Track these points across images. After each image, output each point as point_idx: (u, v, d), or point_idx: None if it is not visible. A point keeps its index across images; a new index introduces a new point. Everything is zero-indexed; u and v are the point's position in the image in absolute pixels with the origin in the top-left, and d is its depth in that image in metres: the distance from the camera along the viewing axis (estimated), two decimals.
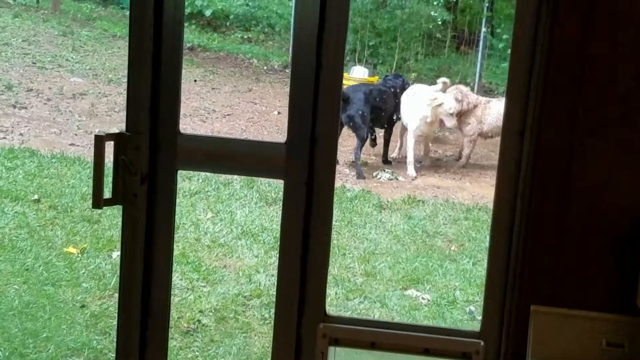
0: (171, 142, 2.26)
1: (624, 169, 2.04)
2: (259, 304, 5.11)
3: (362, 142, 8.80)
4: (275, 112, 11.02)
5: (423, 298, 5.36)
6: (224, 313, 4.99)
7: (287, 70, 13.41)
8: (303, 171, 2.21)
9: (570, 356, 2.14)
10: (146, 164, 2.25)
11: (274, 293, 5.73)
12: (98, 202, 2.23)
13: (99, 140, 2.21)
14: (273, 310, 5.07)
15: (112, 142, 2.23)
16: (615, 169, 2.05)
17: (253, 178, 7.50)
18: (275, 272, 5.73)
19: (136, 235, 2.29)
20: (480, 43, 12.99)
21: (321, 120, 2.20)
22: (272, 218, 6.66)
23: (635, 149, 2.03)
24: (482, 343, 2.24)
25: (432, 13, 14.22)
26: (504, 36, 13.34)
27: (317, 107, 2.19)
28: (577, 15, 2.00)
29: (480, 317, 5.38)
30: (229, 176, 7.58)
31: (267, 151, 2.29)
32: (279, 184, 7.35)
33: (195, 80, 12.31)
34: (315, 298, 2.30)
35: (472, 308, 5.23)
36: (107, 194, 2.24)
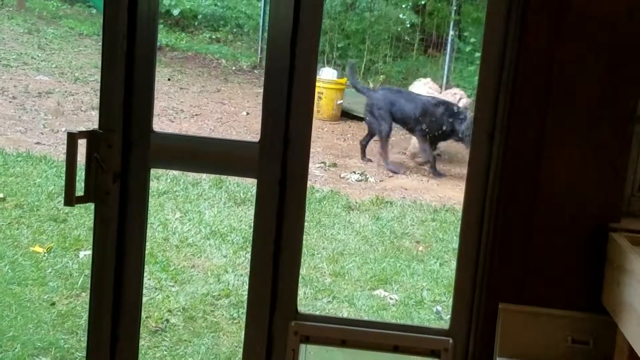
0: (144, 140, 2.26)
1: (590, 170, 2.09)
2: (227, 304, 5.11)
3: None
4: (244, 113, 11.01)
5: (391, 298, 5.40)
6: (193, 313, 4.99)
7: (255, 71, 13.40)
8: (276, 170, 2.23)
9: (537, 353, 2.18)
10: (119, 162, 2.25)
11: (243, 293, 5.75)
12: (70, 200, 2.23)
13: (72, 138, 2.20)
14: (242, 310, 5.09)
15: (84, 140, 2.23)
16: (582, 171, 2.10)
17: (222, 178, 7.48)
18: (244, 271, 5.76)
19: (108, 233, 2.29)
20: (448, 46, 13.11)
21: (294, 120, 2.22)
22: (241, 218, 6.66)
23: (601, 152, 2.09)
24: (450, 341, 2.28)
25: (401, 16, 14.30)
26: (471, 39, 13.47)
27: (290, 107, 2.21)
28: (546, 21, 2.05)
29: (447, 317, 5.46)
30: (197, 176, 7.56)
31: (241, 150, 2.31)
32: (248, 184, 7.37)
33: (168, 79, 12.25)
34: (287, 296, 2.32)
35: (439, 308, 5.28)
36: (79, 192, 2.24)
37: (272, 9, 2.20)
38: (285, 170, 2.24)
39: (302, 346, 2.34)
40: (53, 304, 4.94)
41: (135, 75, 2.23)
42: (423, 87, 10.29)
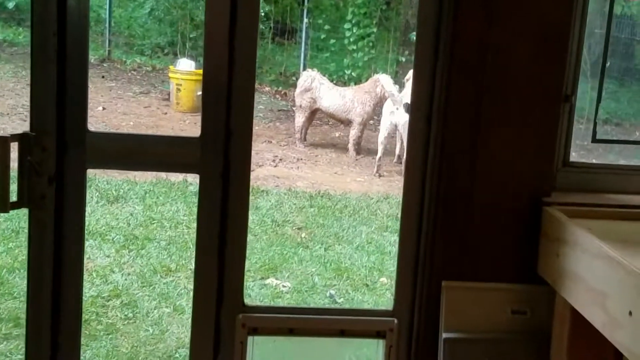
0: (80, 141, 2.19)
1: (524, 149, 2.22)
2: (119, 304, 4.98)
3: None
4: (100, 108, 10.67)
5: (284, 286, 5.44)
6: (85, 316, 4.82)
7: (104, 64, 12.98)
8: (218, 164, 2.23)
9: (480, 326, 2.30)
10: (54, 164, 2.17)
11: (134, 292, 5.58)
12: (4, 205, 2.12)
13: (3, 141, 2.10)
14: (136, 309, 4.96)
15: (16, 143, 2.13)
16: (516, 149, 2.22)
17: (88, 177, 7.24)
18: (131, 270, 5.59)
19: (44, 238, 2.21)
20: (304, 34, 13.24)
21: (235, 114, 2.22)
22: (117, 216, 6.47)
23: (533, 130, 2.22)
24: (395, 321, 2.35)
25: None
26: (325, 27, 13.67)
27: (230, 101, 2.21)
28: (479, 6, 2.15)
29: (340, 300, 5.53)
30: None
31: (181, 146, 2.28)
32: (118, 181, 7.14)
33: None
34: (233, 289, 2.32)
35: (332, 292, 5.37)
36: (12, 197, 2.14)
37: (209, 4, 2.18)
38: (228, 163, 2.23)
39: (250, 338, 2.34)
40: None
41: (68, 74, 2.16)
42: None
